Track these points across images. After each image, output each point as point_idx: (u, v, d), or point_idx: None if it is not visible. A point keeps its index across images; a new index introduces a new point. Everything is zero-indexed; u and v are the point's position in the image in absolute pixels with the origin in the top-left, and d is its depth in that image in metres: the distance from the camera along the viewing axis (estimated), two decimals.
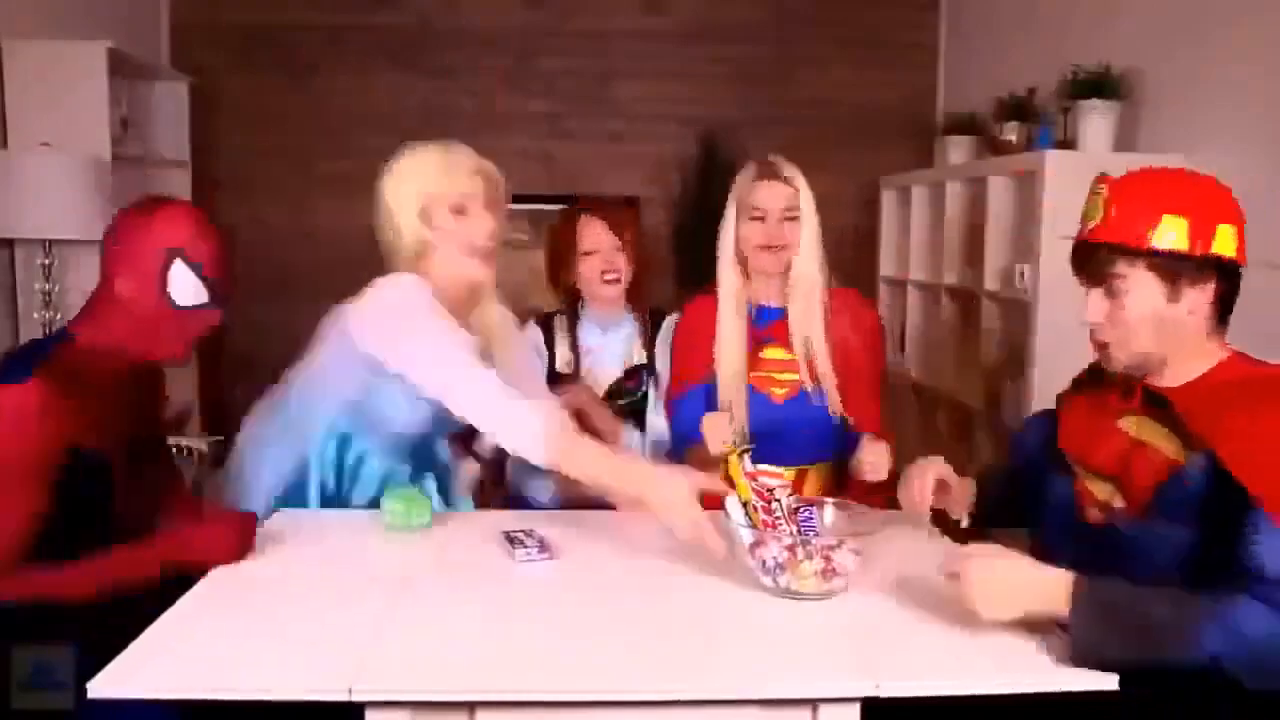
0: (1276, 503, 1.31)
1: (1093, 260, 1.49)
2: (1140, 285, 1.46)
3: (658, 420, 2.35)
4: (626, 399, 2.36)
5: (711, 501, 1.80)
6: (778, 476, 1.71)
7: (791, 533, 1.62)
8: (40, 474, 1.50)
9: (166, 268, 1.63)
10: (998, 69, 3.88)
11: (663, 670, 1.34)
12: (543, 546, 1.75)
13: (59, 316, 3.21)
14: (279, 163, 4.51)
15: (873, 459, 2.05)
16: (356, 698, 1.25)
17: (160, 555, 1.59)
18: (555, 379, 2.32)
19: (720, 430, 2.06)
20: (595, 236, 2.29)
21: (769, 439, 2.14)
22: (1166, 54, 2.87)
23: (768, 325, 2.22)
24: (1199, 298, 1.45)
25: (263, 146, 4.51)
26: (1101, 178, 1.51)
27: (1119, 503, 1.51)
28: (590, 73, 4.56)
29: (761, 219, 2.14)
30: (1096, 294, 1.50)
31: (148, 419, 1.83)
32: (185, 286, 1.65)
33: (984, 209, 3.41)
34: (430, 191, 1.87)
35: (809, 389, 2.17)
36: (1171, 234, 1.42)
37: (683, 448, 2.21)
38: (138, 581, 1.55)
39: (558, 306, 2.42)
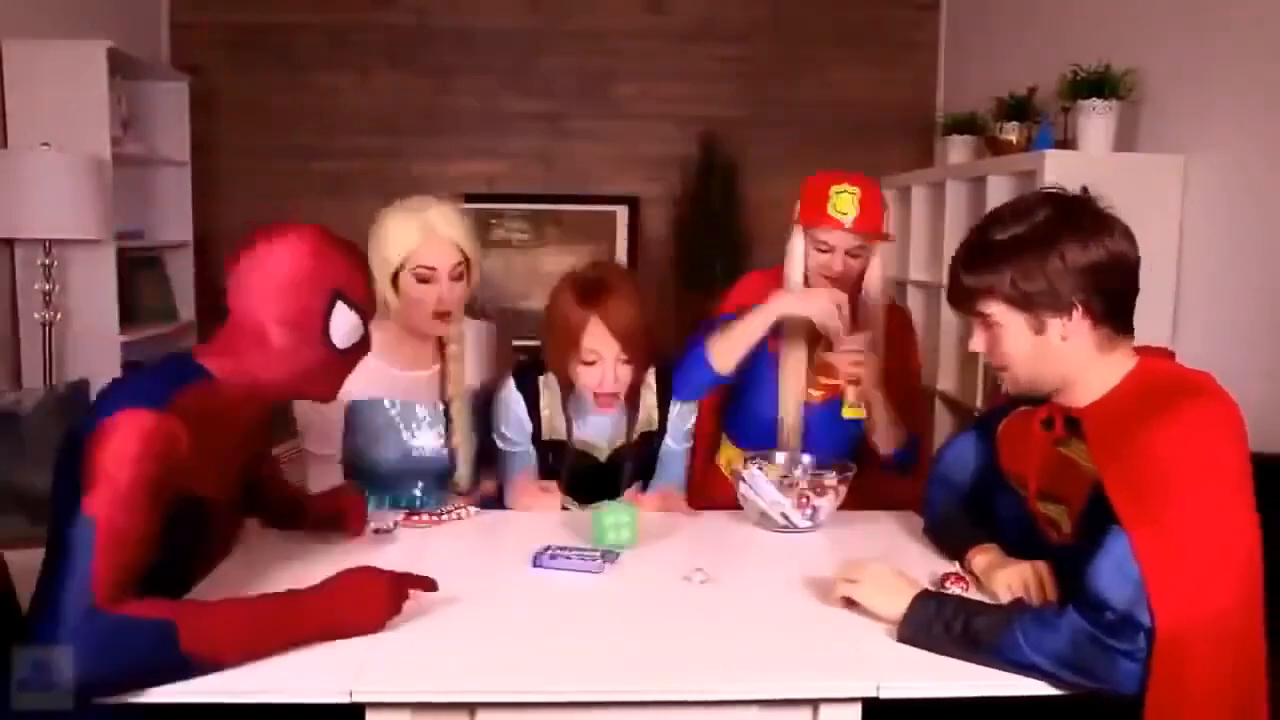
0: (1135, 525, 1.29)
1: (958, 297, 1.49)
2: (1006, 319, 1.44)
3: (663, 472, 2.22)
4: (630, 462, 2.18)
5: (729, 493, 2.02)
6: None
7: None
8: (156, 501, 1.33)
9: (329, 312, 1.50)
10: (998, 69, 3.88)
11: (663, 670, 1.35)
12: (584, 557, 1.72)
13: (59, 316, 3.21)
14: (279, 163, 4.51)
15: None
16: (357, 699, 1.26)
17: (303, 628, 1.36)
18: (544, 442, 2.15)
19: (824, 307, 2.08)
20: (599, 346, 1.99)
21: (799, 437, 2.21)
22: (1166, 54, 2.87)
23: None
24: (1069, 325, 1.41)
25: (263, 146, 4.50)
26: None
27: (1066, 524, 1.48)
28: (590, 73, 4.56)
29: (827, 251, 2.14)
30: (977, 326, 1.49)
31: (258, 454, 1.72)
32: (347, 328, 1.53)
33: (984, 209, 3.40)
34: (402, 260, 2.04)
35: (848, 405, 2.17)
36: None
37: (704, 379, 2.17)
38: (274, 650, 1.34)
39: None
